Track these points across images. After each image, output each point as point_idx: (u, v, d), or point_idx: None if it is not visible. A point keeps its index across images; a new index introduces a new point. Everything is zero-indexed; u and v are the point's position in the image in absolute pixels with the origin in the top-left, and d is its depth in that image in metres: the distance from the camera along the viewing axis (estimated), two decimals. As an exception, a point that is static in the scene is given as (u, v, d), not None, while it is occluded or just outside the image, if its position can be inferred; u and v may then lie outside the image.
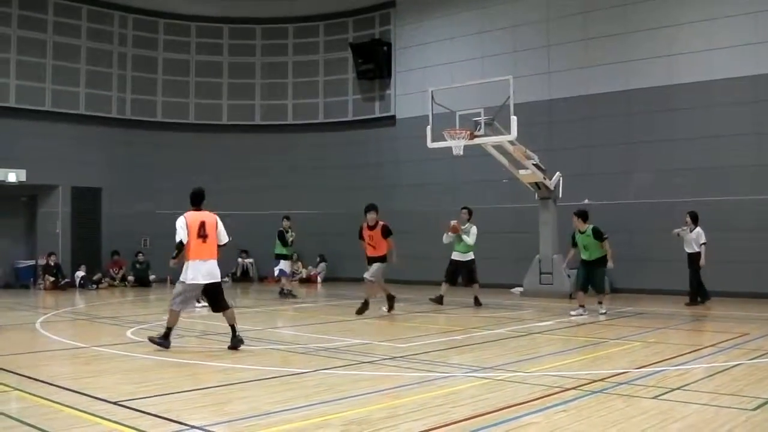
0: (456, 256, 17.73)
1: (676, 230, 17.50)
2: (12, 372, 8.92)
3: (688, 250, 17.22)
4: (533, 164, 19.19)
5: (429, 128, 19.15)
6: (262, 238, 24.91)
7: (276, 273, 21.42)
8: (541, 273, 20.08)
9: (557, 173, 19.81)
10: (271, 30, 28.73)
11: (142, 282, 25.61)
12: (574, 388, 7.76)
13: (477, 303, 17.41)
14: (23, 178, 24.36)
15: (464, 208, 18.03)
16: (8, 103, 24.29)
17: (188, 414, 6.66)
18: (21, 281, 24.62)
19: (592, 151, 21.78)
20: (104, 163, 25.87)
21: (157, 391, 7.77)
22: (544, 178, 19.48)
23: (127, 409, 6.85)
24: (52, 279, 24.04)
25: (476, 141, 18.53)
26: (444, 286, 17.90)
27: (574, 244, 15.64)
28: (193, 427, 6.20)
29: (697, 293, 17.31)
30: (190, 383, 8.35)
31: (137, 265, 25.90)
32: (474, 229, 17.57)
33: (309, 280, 27.18)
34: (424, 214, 24.43)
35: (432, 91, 19.31)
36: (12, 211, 25.47)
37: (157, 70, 27.74)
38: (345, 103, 28.04)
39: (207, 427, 6.16)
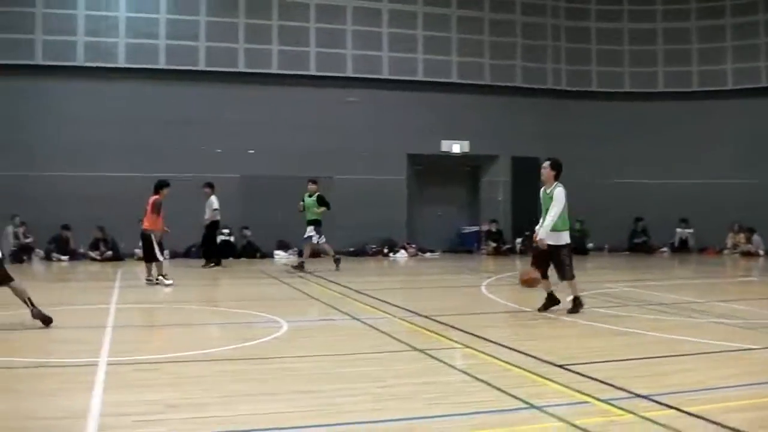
0: None
1: None
2: (462, 330, 9.59)
3: None
4: None
5: None
6: (704, 209, 24.21)
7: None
8: None
9: None
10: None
11: (579, 251, 25.90)
12: None
13: None
14: (467, 149, 25.94)
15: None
16: (451, 78, 25.99)
17: (631, 382, 6.69)
18: (465, 246, 26.20)
19: None
20: (540, 134, 26.42)
21: (596, 358, 7.90)
22: None
23: (572, 373, 7.08)
24: (494, 245, 25.31)
25: None
26: None
27: None
28: (638, 395, 6.23)
29: None
30: (629, 352, 8.37)
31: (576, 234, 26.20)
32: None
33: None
34: None
35: None
36: (457, 181, 27.17)
37: (591, 40, 27.77)
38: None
39: (651, 397, 6.16)
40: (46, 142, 22.17)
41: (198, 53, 23.83)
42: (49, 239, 21.90)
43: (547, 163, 11.67)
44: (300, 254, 20.34)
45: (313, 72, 24.78)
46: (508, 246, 25.48)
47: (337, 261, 19.13)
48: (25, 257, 21.30)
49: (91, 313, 11.60)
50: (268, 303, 12.72)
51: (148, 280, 15.60)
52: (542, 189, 11.73)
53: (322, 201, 18.94)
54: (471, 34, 26.35)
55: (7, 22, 22.38)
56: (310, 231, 18.88)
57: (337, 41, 25.08)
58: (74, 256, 21.77)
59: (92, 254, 21.94)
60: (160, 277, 15.43)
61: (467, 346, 8.60)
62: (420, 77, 25.80)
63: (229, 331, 10.28)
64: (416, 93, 25.46)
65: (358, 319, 10.66)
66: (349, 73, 25.17)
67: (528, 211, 26.22)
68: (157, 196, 15.94)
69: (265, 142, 23.68)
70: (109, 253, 21.92)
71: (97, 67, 22.97)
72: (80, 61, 22.95)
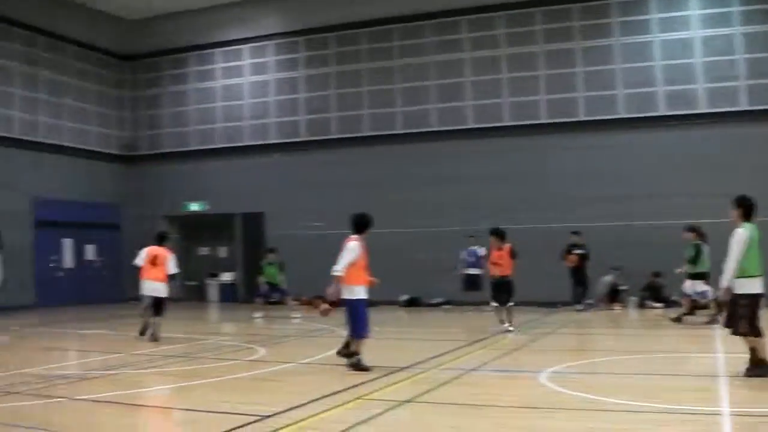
0: None
1: None
2: None
3: None
4: None
5: None
6: None
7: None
8: None
9: None
10: None
11: None
12: None
13: None
14: None
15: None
16: None
17: None
18: None
19: None
20: None
21: None
22: None
23: None
24: None
25: None
26: None
27: None
28: None
29: None
30: None
31: None
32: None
33: None
34: None
35: None
36: None
37: None
38: None
39: None
40: (642, 191, 22.86)
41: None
42: (642, 286, 22.33)
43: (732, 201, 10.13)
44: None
45: None
46: None
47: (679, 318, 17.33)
48: (616, 305, 22.12)
49: (697, 362, 11.65)
50: None
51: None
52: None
53: (698, 252, 17.22)
54: None
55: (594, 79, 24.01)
56: (700, 286, 17.18)
57: None
58: (668, 303, 21.84)
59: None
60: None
61: None
62: None
63: None
64: None
65: None
66: None
67: None
68: (509, 244, 16.35)
69: None
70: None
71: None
72: (661, 110, 23.47)
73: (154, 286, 15.52)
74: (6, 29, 25.57)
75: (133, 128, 30.50)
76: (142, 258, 15.74)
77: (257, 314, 21.44)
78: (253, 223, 27.92)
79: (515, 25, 24.73)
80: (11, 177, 24.98)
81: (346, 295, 10.97)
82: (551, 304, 21.87)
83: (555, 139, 23.85)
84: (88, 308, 24.65)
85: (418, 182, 25.04)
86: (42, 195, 26.12)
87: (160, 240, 16.22)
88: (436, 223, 23.87)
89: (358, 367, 10.80)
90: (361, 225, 11.23)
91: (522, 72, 24.54)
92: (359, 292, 10.98)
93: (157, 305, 15.40)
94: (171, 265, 15.62)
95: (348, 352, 11.14)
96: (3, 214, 23.86)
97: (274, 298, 22.61)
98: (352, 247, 10.93)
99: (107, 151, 29.48)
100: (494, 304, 16.31)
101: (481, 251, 21.78)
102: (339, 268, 10.80)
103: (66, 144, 27.70)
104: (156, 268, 15.52)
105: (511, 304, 16.01)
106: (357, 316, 10.97)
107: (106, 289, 27.22)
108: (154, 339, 15.22)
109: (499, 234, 16.39)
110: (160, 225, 27.54)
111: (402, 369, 10.90)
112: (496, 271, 16.31)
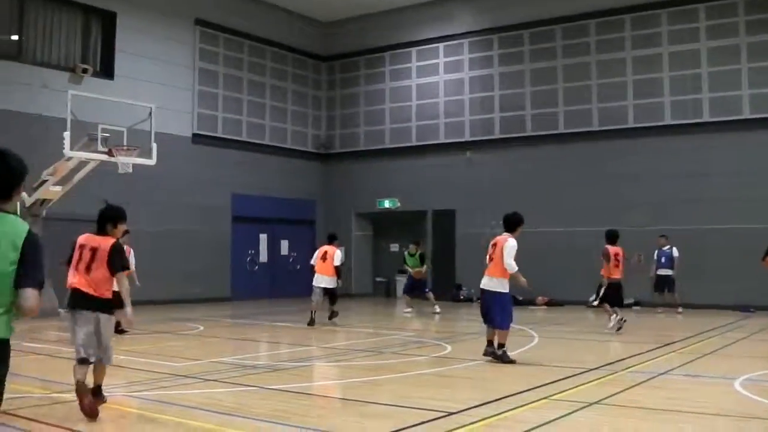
0: None
1: None
2: None
3: None
4: None
5: None
6: None
7: None
8: None
9: None
10: None
11: None
12: None
13: None
14: None
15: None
16: None
17: None
18: None
19: None
20: None
21: None
22: None
23: None
24: None
25: None
26: None
27: None
28: None
29: None
30: None
31: None
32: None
33: None
34: None
35: None
36: None
37: None
38: None
39: None
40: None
41: None
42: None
43: None
44: None
45: None
46: None
47: None
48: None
49: None
50: None
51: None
52: None
53: None
54: None
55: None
56: None
57: None
58: None
59: None
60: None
61: None
62: None
63: None
64: None
65: None
66: None
67: None
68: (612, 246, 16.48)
69: None
70: None
71: None
72: None
73: (323, 279, 17.75)
74: (213, 35, 26.87)
75: (328, 127, 31.38)
76: (315, 257, 18.20)
77: (407, 309, 22.12)
78: (444, 220, 28.02)
79: (716, 16, 23.54)
80: (217, 174, 26.19)
81: (498, 288, 11.59)
82: (747, 308, 20.98)
83: (760, 135, 22.58)
84: (279, 302, 25.56)
85: (609, 180, 24.46)
86: (241, 191, 27.20)
87: (330, 240, 18.67)
88: (627, 222, 22.92)
89: (504, 359, 11.27)
90: (513, 223, 11.86)
91: (724, 66, 23.35)
92: (507, 286, 11.63)
93: (330, 296, 17.78)
94: (337, 258, 17.76)
95: (494, 350, 11.61)
96: (207, 209, 25.25)
97: (424, 291, 22.86)
98: (513, 244, 11.53)
99: (303, 149, 30.45)
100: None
101: (675, 252, 21.21)
102: (513, 264, 11.36)
103: (266, 143, 28.83)
104: (325, 263, 17.77)
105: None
106: (505, 309, 11.58)
107: (298, 284, 27.65)
108: (333, 318, 17.63)
109: (607, 236, 16.80)
110: (353, 221, 28.23)
111: (590, 370, 10.68)
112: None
